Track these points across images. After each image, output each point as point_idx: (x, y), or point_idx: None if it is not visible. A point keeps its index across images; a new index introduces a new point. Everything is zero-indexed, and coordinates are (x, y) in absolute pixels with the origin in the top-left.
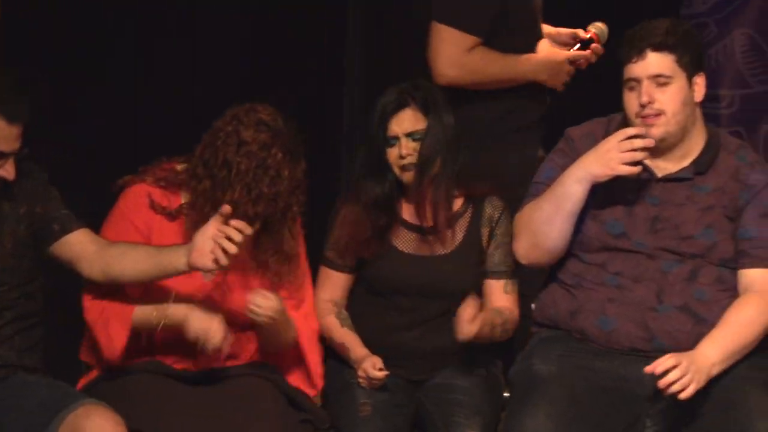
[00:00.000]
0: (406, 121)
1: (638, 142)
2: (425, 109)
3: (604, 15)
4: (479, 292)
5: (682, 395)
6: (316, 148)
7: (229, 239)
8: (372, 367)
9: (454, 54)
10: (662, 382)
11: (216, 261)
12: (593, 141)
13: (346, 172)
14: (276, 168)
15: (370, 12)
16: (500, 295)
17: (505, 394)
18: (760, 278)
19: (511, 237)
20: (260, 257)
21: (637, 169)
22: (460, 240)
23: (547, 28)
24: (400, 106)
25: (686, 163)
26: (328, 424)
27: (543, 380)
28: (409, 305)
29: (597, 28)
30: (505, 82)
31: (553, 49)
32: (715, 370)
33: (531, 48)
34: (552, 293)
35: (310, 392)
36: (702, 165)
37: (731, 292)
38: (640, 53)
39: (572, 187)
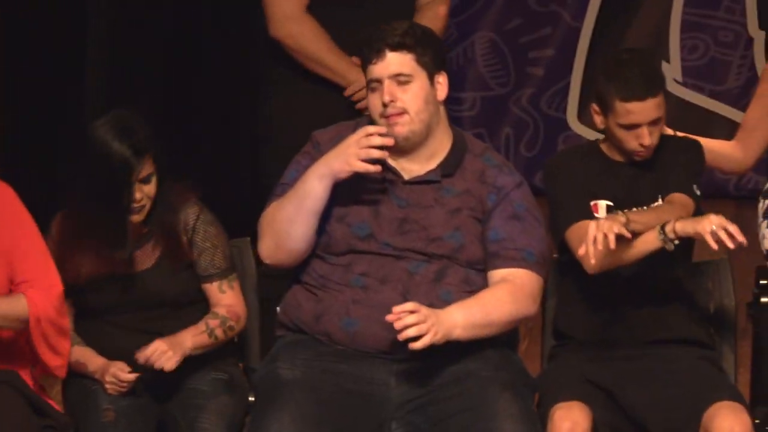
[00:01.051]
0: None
1: (377, 140)
2: None
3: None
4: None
5: (418, 344)
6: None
7: None
8: (121, 371)
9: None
10: (398, 324)
11: None
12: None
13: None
14: None
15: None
16: (218, 296)
17: (251, 398)
18: (511, 274)
19: (212, 241)
20: None
21: (374, 167)
22: (159, 253)
23: None
24: None
25: (433, 165)
26: (71, 430)
27: (288, 384)
28: (129, 322)
29: None
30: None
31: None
32: (456, 333)
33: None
34: (296, 295)
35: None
36: (449, 167)
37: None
38: (379, 54)
39: (313, 183)
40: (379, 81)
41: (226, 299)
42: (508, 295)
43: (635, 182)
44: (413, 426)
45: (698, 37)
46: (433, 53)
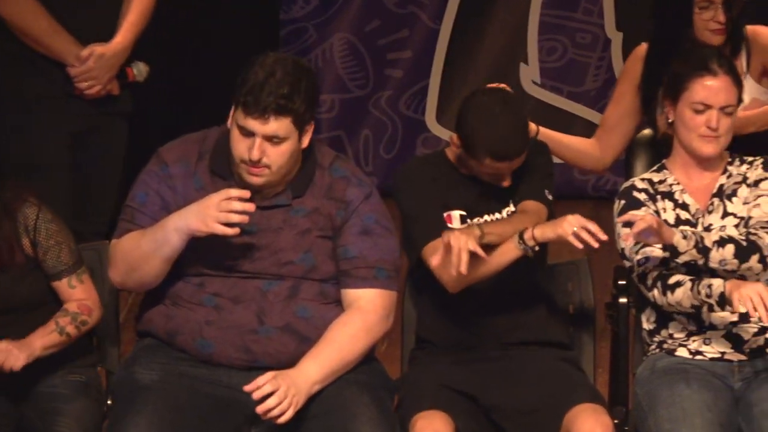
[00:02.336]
0: None
1: (238, 206)
2: None
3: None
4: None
5: (281, 420)
6: None
7: None
8: None
9: None
10: (260, 409)
11: None
12: (187, 167)
13: None
14: None
15: None
16: (69, 292)
17: (109, 402)
18: (363, 296)
19: (55, 238)
20: None
21: (233, 231)
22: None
23: None
24: None
25: (283, 187)
26: None
27: (145, 388)
28: None
29: (136, 67)
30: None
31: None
32: (316, 389)
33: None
34: (149, 308)
35: None
36: (298, 188)
37: (335, 305)
38: (262, 114)
39: (171, 234)
40: (253, 134)
41: (77, 294)
42: (361, 328)
43: (487, 190)
44: (272, 429)
45: (556, 38)
46: (310, 108)
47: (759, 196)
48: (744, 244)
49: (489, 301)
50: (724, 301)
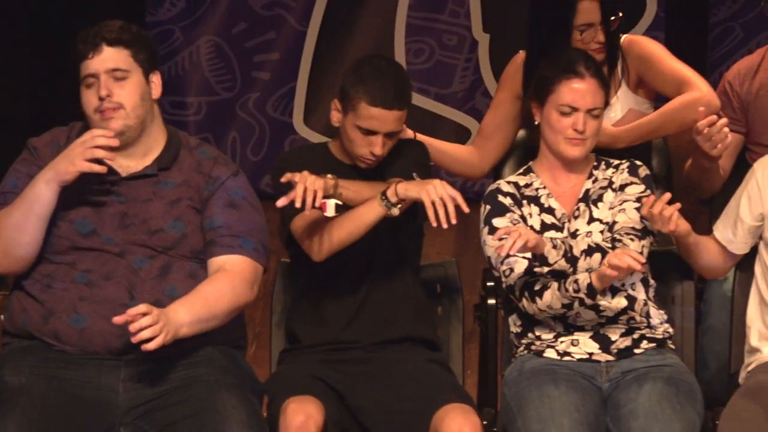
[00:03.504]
0: None
1: (102, 140)
2: None
3: None
4: None
5: (151, 345)
6: None
7: None
8: None
9: None
10: (133, 327)
11: None
12: (57, 148)
13: None
14: None
15: None
16: None
17: None
18: (229, 261)
19: None
20: None
21: (100, 167)
22: None
23: None
24: None
25: (149, 161)
26: None
27: (15, 392)
28: None
29: None
30: None
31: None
32: (183, 331)
33: None
34: (21, 301)
35: None
36: (165, 161)
37: None
38: (95, 48)
39: (41, 188)
40: (95, 76)
41: None
42: (227, 284)
43: (364, 180)
44: (139, 429)
45: (423, 40)
46: (148, 52)
47: (624, 201)
48: (610, 251)
49: (359, 299)
50: (594, 292)
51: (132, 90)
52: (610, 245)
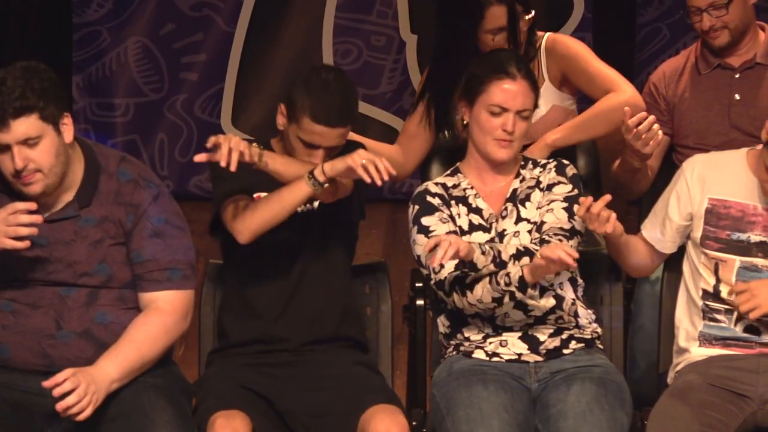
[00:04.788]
0: None
1: (25, 218)
2: None
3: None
4: None
5: (80, 417)
6: None
7: None
8: None
9: None
10: (60, 406)
11: None
12: None
13: None
14: None
15: None
16: None
17: None
18: (160, 298)
19: None
20: None
21: (23, 244)
22: None
23: None
24: None
25: (69, 197)
26: None
27: None
28: None
29: None
30: None
31: None
32: (114, 387)
33: None
34: None
35: None
36: (84, 198)
37: (135, 310)
38: (2, 124)
39: None
40: (7, 147)
41: None
42: (160, 327)
43: None
44: None
45: (351, 41)
46: (54, 101)
47: (552, 201)
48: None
49: (287, 301)
50: (525, 286)
51: (46, 151)
52: (538, 247)
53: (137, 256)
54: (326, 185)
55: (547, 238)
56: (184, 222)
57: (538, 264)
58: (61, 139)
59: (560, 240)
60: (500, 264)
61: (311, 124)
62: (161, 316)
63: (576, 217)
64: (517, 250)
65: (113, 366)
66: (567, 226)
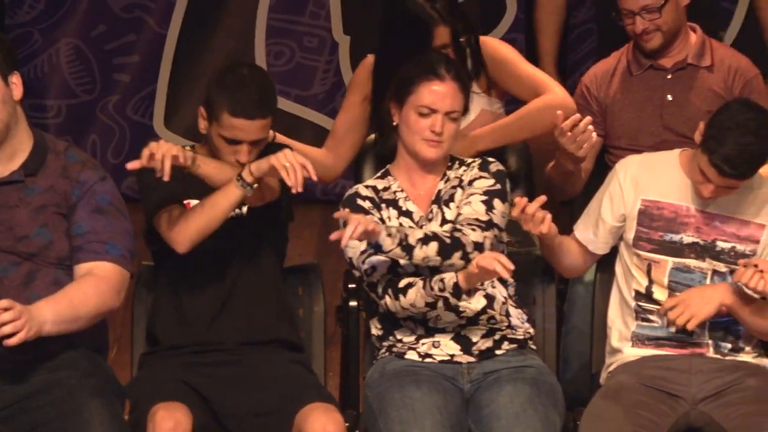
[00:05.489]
0: None
1: None
2: None
3: None
4: None
5: (12, 341)
6: None
7: None
8: None
9: None
10: None
11: None
12: None
13: None
14: None
15: None
16: None
17: None
18: (96, 267)
19: None
20: None
21: None
22: None
23: None
24: None
25: (15, 165)
26: None
27: None
28: None
29: None
30: None
31: None
32: (47, 329)
33: None
34: None
35: None
36: (31, 167)
37: None
38: None
39: None
40: None
41: None
42: (93, 288)
43: None
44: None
45: (283, 42)
46: (3, 54)
47: (471, 195)
48: (448, 241)
49: (221, 301)
50: (459, 292)
51: None
52: (448, 234)
53: (78, 228)
54: (255, 186)
55: (459, 227)
56: (127, 212)
57: (473, 272)
58: (8, 91)
59: (473, 230)
60: (407, 247)
61: (230, 119)
62: (96, 280)
63: (495, 211)
64: (425, 235)
65: (48, 308)
66: (484, 217)
